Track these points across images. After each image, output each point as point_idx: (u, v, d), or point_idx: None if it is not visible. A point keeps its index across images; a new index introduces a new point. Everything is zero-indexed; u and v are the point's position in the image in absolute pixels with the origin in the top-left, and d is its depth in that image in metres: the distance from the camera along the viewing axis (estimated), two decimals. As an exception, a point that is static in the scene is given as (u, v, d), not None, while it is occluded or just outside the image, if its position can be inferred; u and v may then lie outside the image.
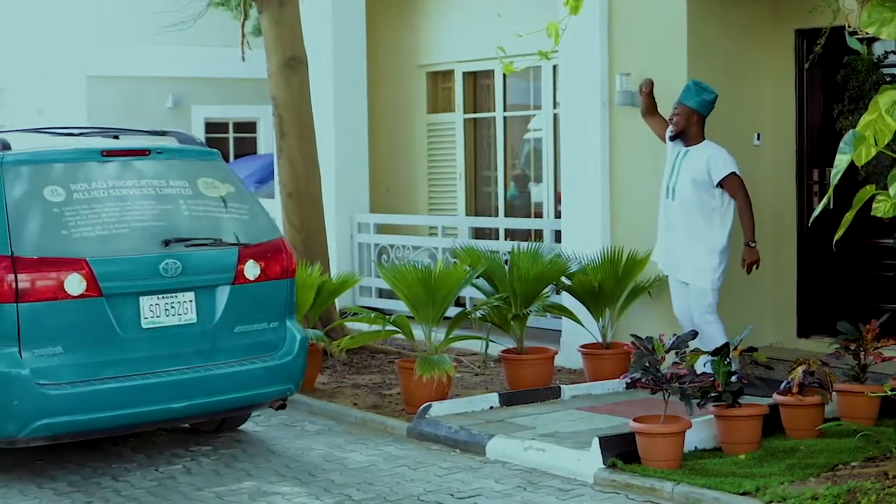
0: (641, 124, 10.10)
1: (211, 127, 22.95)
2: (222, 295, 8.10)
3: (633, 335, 7.95)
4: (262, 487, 7.59)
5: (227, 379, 8.00)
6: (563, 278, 10.28)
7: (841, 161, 6.17)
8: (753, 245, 9.31)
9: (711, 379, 7.66)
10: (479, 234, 13.52)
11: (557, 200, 12.96)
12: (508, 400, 9.36)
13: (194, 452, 8.47)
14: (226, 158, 8.80)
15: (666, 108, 9.73)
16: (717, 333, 9.18)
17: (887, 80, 9.65)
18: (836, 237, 6.50)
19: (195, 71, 22.28)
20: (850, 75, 9.84)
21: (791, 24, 10.56)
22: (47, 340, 7.43)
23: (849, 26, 6.94)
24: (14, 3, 22.10)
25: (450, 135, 14.57)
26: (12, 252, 7.38)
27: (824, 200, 6.65)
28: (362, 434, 8.98)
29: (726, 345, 7.91)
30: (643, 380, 7.66)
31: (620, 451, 7.55)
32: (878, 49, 9.97)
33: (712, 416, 7.80)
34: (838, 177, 6.16)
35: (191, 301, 7.96)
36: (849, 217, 6.38)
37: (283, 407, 8.61)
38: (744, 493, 6.83)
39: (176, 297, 7.91)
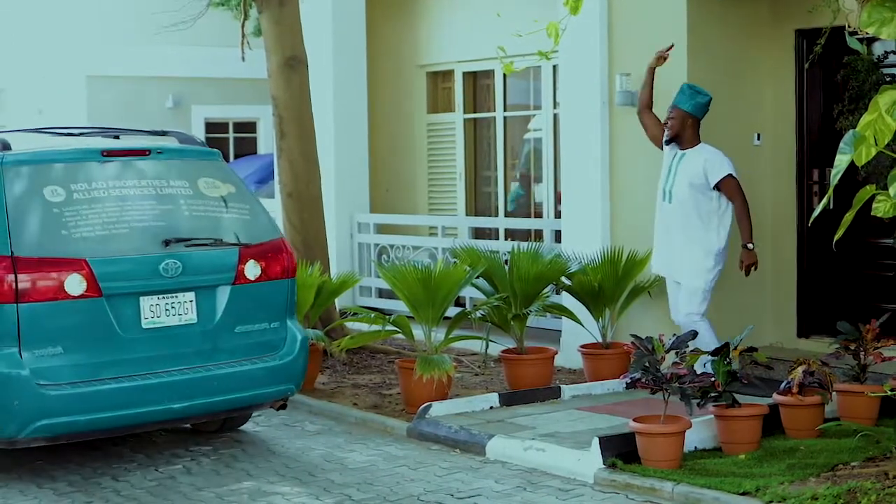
0: (641, 125, 10.09)
1: (211, 127, 22.95)
2: (223, 295, 8.09)
3: (633, 335, 7.95)
4: (262, 487, 7.59)
5: (227, 379, 7.99)
6: (563, 278, 10.28)
7: (841, 161, 6.17)
8: (751, 247, 9.30)
9: (711, 379, 7.66)
10: (478, 234, 13.52)
11: (557, 200, 12.96)
12: (508, 400, 9.37)
13: (194, 452, 8.47)
14: (226, 158, 8.80)
15: (664, 108, 9.71)
16: (703, 332, 9.08)
17: (887, 80, 9.66)
18: (836, 237, 6.50)
19: (195, 71, 22.28)
20: (850, 75, 9.85)
21: (791, 24, 10.56)
22: (47, 341, 7.42)
23: (849, 26, 6.94)
24: (14, 3, 22.10)
25: (450, 135, 14.58)
26: (12, 252, 7.38)
27: (824, 200, 6.66)
28: (362, 434, 8.98)
29: (726, 345, 7.90)
30: (643, 380, 7.66)
31: (620, 451, 7.55)
32: (878, 49, 9.97)
33: (712, 416, 7.80)
34: (838, 177, 6.17)
35: (191, 301, 7.96)
36: (849, 217, 6.39)
37: (283, 407, 8.61)
38: (744, 493, 6.83)
39: (176, 297, 7.90)
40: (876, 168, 8.99)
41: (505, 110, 14.11)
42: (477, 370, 10.82)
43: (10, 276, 7.33)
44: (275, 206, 12.32)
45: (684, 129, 9.43)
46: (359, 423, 9.27)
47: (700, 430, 7.77)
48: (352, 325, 11.57)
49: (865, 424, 7.96)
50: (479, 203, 14.51)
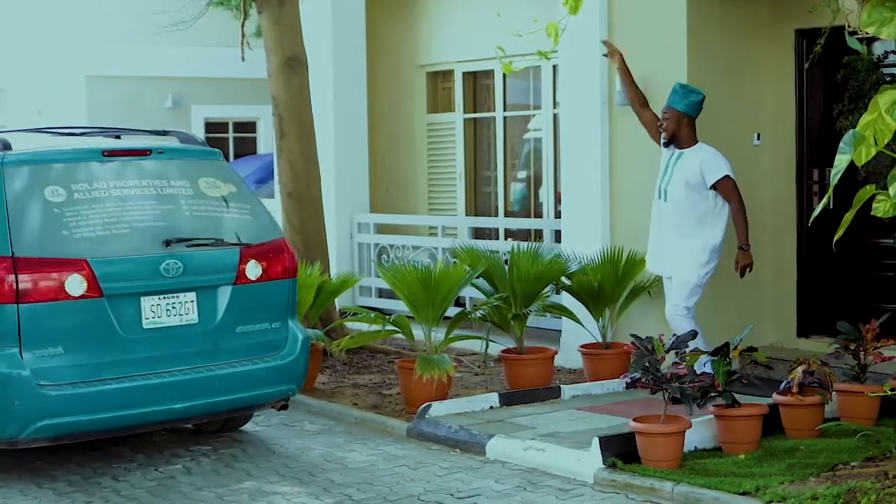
0: (641, 124, 10.08)
1: (211, 127, 22.96)
2: (224, 295, 8.09)
3: (633, 335, 7.96)
4: (262, 487, 7.59)
5: (228, 379, 7.98)
6: (563, 278, 10.28)
7: (841, 161, 6.17)
8: (747, 248, 9.29)
9: (711, 378, 7.66)
10: (478, 234, 13.52)
11: (557, 200, 12.96)
12: (508, 400, 9.37)
13: (194, 452, 8.47)
14: (225, 158, 8.80)
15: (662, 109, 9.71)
16: (684, 328, 9.01)
17: (887, 79, 9.66)
18: (836, 237, 6.50)
19: (195, 71, 22.29)
20: (849, 75, 9.85)
21: (791, 23, 10.56)
22: (48, 341, 7.41)
23: (849, 26, 6.94)
24: (14, 3, 22.10)
25: (450, 135, 14.58)
26: (13, 252, 7.37)
27: (824, 200, 6.66)
28: (362, 434, 8.98)
29: (726, 344, 7.90)
30: (643, 380, 7.67)
31: (620, 450, 7.55)
32: (877, 49, 9.97)
33: (712, 415, 7.80)
34: (838, 177, 6.17)
35: (192, 301, 7.95)
36: (849, 217, 6.39)
37: (285, 407, 8.60)
38: (744, 493, 6.83)
39: (177, 297, 7.90)
40: (876, 168, 9.00)
41: (505, 110, 14.11)
42: (477, 370, 10.82)
43: (11, 277, 7.33)
44: (275, 206, 12.32)
45: (680, 129, 9.42)
46: (359, 422, 9.28)
47: (700, 430, 7.77)
48: (352, 324, 11.57)
49: (865, 424, 7.96)
50: (478, 203, 14.51)
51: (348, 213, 14.07)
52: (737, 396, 7.76)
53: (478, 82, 14.48)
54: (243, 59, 12.34)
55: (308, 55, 11.95)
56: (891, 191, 6.21)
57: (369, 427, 9.15)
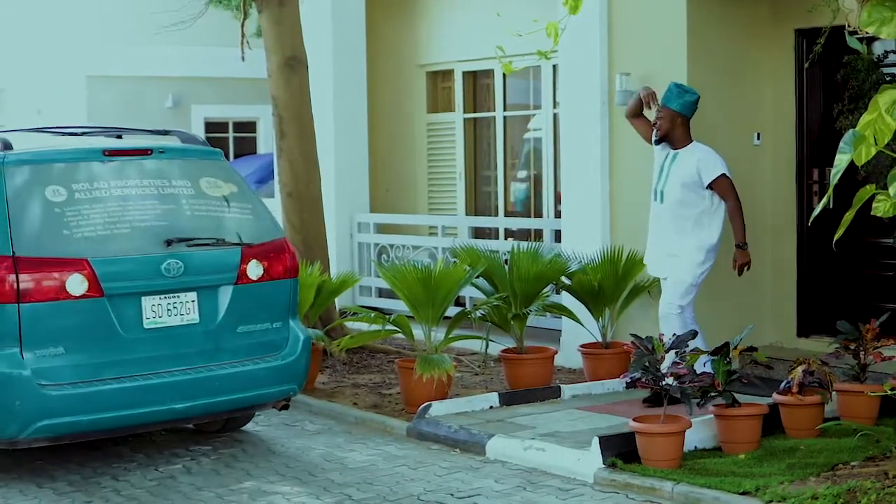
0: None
1: (211, 126, 22.96)
2: (225, 295, 8.08)
3: (633, 335, 7.96)
4: (263, 487, 7.59)
5: (229, 379, 7.98)
6: (563, 278, 10.28)
7: (841, 161, 6.17)
8: (744, 247, 9.24)
9: (711, 378, 7.66)
10: (478, 233, 13.52)
11: (557, 200, 12.96)
12: (508, 399, 9.37)
13: (194, 452, 8.47)
14: (225, 158, 8.80)
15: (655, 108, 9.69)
16: (676, 329, 8.93)
17: (887, 79, 9.67)
18: (836, 237, 6.50)
19: (195, 70, 22.29)
20: (849, 75, 9.85)
21: (791, 23, 10.56)
22: (49, 341, 7.41)
23: (849, 26, 6.94)
24: (14, 3, 22.10)
25: (450, 134, 14.58)
26: (14, 252, 7.37)
27: (824, 200, 6.66)
28: (362, 434, 8.98)
29: (726, 344, 7.90)
30: (643, 379, 7.67)
31: (620, 450, 7.56)
32: (877, 48, 9.98)
33: (712, 415, 7.80)
34: (838, 176, 6.17)
35: (193, 301, 7.95)
36: (849, 216, 6.39)
37: (286, 407, 8.60)
38: (744, 493, 6.83)
39: (178, 297, 7.89)
40: (876, 167, 9.00)
41: (505, 110, 14.11)
42: (477, 370, 10.82)
43: (12, 276, 7.32)
44: (275, 206, 12.32)
45: (674, 129, 9.34)
46: (359, 422, 9.28)
47: (700, 430, 7.77)
48: (352, 324, 11.58)
49: (865, 424, 7.96)
50: (478, 203, 14.51)
51: (348, 212, 14.08)
52: (737, 396, 7.76)
53: (478, 82, 14.48)
54: (243, 58, 12.35)
55: (308, 55, 11.95)
56: (891, 190, 6.21)
57: (369, 427, 9.15)
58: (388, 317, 9.81)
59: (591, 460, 7.54)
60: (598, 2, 10.62)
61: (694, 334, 8.04)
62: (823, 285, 10.68)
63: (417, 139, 14.84)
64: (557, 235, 11.67)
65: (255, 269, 8.20)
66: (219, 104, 22.95)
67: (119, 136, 8.86)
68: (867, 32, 6.55)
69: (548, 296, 10.39)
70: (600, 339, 10.24)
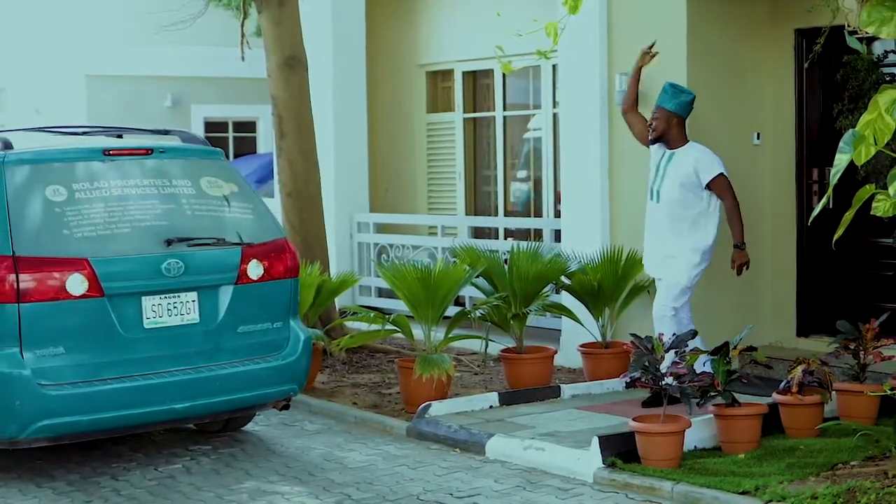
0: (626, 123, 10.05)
1: (210, 126, 22.96)
2: (225, 295, 8.08)
3: (633, 334, 7.96)
4: (262, 487, 7.59)
5: (230, 379, 7.97)
6: (563, 278, 10.28)
7: (840, 160, 6.17)
8: (743, 247, 9.20)
9: (710, 378, 7.66)
10: (478, 233, 13.52)
11: (557, 200, 12.96)
12: (508, 399, 9.37)
13: (194, 452, 8.47)
14: (226, 157, 8.79)
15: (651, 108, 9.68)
16: (669, 330, 8.91)
17: (887, 79, 9.67)
18: (836, 236, 6.50)
19: (195, 70, 22.29)
20: (849, 74, 9.86)
21: (790, 23, 10.57)
22: (49, 341, 7.40)
23: (848, 25, 6.94)
24: (13, 3, 22.10)
25: (449, 134, 14.59)
26: (14, 252, 7.37)
27: (824, 200, 6.65)
28: (362, 433, 8.98)
29: (725, 344, 7.90)
30: (643, 379, 7.67)
31: (620, 450, 7.56)
32: (877, 48, 9.98)
33: (712, 415, 7.81)
34: (838, 176, 6.17)
35: (193, 301, 7.95)
36: (848, 216, 6.39)
37: (286, 407, 8.59)
38: (743, 493, 6.83)
39: (178, 297, 7.89)
40: (875, 167, 9.00)
41: (504, 110, 14.12)
42: (476, 369, 10.82)
43: (12, 276, 7.32)
44: (274, 206, 12.31)
45: (669, 129, 9.30)
46: (358, 422, 9.28)
47: (699, 430, 7.77)
48: (351, 324, 11.58)
49: (865, 424, 7.96)
50: (478, 202, 14.51)
51: (348, 212, 14.08)
52: (736, 396, 7.77)
53: (477, 82, 14.49)
54: (243, 58, 12.35)
55: (308, 55, 11.96)
56: (890, 190, 6.21)
57: (369, 426, 9.16)
58: (387, 316, 9.82)
59: (590, 460, 7.54)
60: (597, 2, 10.62)
61: (693, 334, 8.05)
62: (823, 285, 10.68)
63: (417, 139, 14.84)
64: (557, 235, 11.67)
65: (255, 269, 8.19)
66: (218, 104, 22.95)
67: (119, 136, 8.85)
68: (867, 32, 6.55)
69: (547, 295, 10.39)
70: (600, 339, 10.24)
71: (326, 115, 13.69)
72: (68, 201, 7.65)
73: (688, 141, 9.32)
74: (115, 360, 7.59)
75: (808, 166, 10.68)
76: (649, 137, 9.39)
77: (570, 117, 11.13)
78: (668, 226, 9.26)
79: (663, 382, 7.63)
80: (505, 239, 13.13)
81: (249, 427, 9.11)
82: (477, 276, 10.12)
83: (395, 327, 9.76)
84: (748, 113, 10.72)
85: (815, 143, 10.61)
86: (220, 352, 8.00)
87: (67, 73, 21.97)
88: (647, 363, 7.65)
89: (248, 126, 23.63)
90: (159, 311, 7.80)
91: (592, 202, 10.84)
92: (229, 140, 23.38)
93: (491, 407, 9.24)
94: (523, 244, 10.68)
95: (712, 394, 7.68)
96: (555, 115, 13.12)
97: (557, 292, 10.81)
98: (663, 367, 7.70)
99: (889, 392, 7.52)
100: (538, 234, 12.57)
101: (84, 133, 8.85)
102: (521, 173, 14.16)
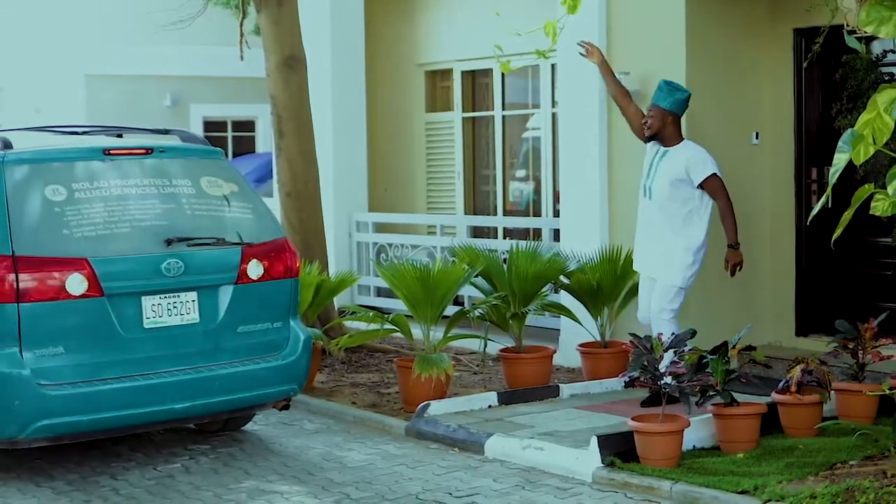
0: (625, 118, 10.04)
1: (209, 125, 22.97)
2: (225, 295, 8.07)
3: (632, 334, 7.96)
4: (261, 486, 7.59)
5: (230, 379, 7.97)
6: (562, 277, 10.28)
7: (839, 160, 6.18)
8: (736, 247, 9.16)
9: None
10: (477, 232, 13.52)
11: (556, 199, 12.97)
12: (507, 399, 9.37)
13: (193, 451, 8.47)
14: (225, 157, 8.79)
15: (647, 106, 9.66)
16: (667, 332, 8.79)
17: (886, 78, 9.68)
18: (835, 236, 6.51)
19: (194, 70, 22.30)
20: (848, 74, 9.86)
21: (789, 23, 10.58)
22: (48, 341, 7.40)
23: (847, 25, 6.94)
24: (13, 3, 22.09)
25: (448, 134, 14.59)
26: (13, 251, 7.36)
27: (823, 199, 6.66)
28: (361, 433, 8.98)
29: (724, 343, 7.91)
30: (641, 378, 7.68)
31: (619, 449, 7.56)
32: (876, 48, 9.99)
33: (711, 414, 7.81)
34: (837, 175, 6.17)
35: (193, 301, 7.94)
36: (847, 216, 6.39)
37: (286, 407, 8.59)
38: (742, 492, 6.83)
39: (178, 296, 7.89)
40: (874, 167, 9.01)
41: (504, 109, 14.12)
42: (475, 369, 10.83)
43: (12, 276, 7.32)
44: (273, 205, 12.30)
45: (664, 127, 9.26)
46: (357, 421, 9.28)
47: (698, 429, 7.78)
48: (350, 323, 11.58)
49: (864, 423, 7.96)
50: (477, 202, 14.51)
51: (347, 211, 14.08)
52: (735, 395, 7.77)
53: (476, 81, 14.49)
54: (242, 57, 12.36)
55: (307, 54, 11.96)
56: (889, 189, 6.21)
57: (368, 426, 9.16)
58: (386, 316, 9.82)
59: (589, 459, 7.54)
60: (596, 1, 10.63)
61: (693, 333, 8.04)
62: (822, 284, 10.69)
63: (416, 138, 14.85)
64: (556, 234, 11.67)
65: (255, 269, 8.19)
66: (217, 103, 22.96)
67: (119, 136, 8.84)
68: (866, 32, 6.55)
69: (546, 295, 10.39)
70: (599, 339, 10.24)
71: (325, 114, 13.69)
72: (68, 201, 7.64)
73: (682, 139, 9.30)
74: (115, 359, 7.59)
75: (807, 166, 10.69)
76: (645, 135, 9.37)
77: (569, 117, 11.14)
78: (660, 223, 9.22)
79: (662, 382, 7.64)
80: (504, 238, 13.13)
81: (248, 426, 9.11)
82: (476, 276, 10.12)
83: (393, 327, 9.75)
84: (747, 112, 10.72)
85: (814, 142, 10.63)
86: (220, 352, 8.00)
87: (67, 73, 21.98)
88: (645, 363, 7.65)
89: (247, 125, 23.64)
90: (159, 311, 7.80)
91: (591, 201, 10.85)
92: (228, 139, 23.39)
93: (490, 406, 9.24)
94: (522, 244, 10.68)
95: (711, 393, 7.68)
96: (554, 115, 13.12)
97: (556, 292, 10.81)
98: (662, 366, 7.71)
99: (888, 391, 7.52)
100: (537, 234, 12.58)
101: (84, 132, 8.84)
102: (521, 173, 14.16)
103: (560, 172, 11.52)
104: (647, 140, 9.38)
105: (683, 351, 7.84)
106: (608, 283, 10.11)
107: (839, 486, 6.67)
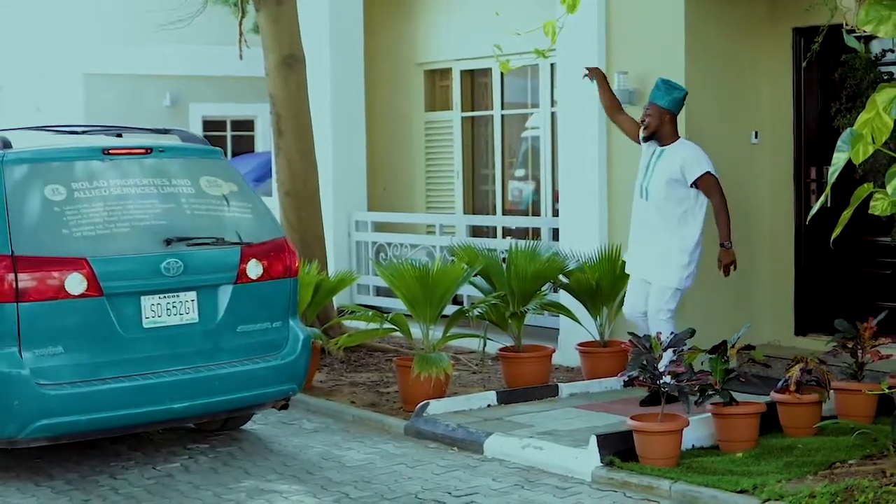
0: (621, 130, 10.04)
1: (208, 125, 22.96)
2: (224, 294, 8.07)
3: (631, 333, 7.97)
4: (260, 485, 7.59)
5: (229, 379, 7.97)
6: (561, 276, 10.28)
7: (838, 159, 6.17)
8: (729, 246, 9.12)
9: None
10: (476, 232, 13.52)
11: (555, 199, 12.97)
12: (506, 398, 9.37)
13: (192, 451, 8.47)
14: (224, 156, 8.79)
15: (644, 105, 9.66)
16: (666, 332, 8.76)
17: (885, 77, 9.68)
18: (834, 235, 6.51)
19: (193, 69, 22.28)
20: (847, 73, 9.86)
21: (788, 22, 10.57)
22: (48, 340, 7.40)
23: (846, 24, 6.94)
24: (12, 2, 22.08)
25: (447, 133, 14.59)
26: (13, 251, 7.37)
27: (822, 198, 6.65)
28: (360, 432, 8.98)
29: (724, 343, 7.91)
30: (641, 378, 7.68)
31: (618, 448, 7.56)
32: (875, 47, 9.99)
33: (710, 414, 7.81)
34: (836, 175, 6.17)
35: (192, 300, 7.94)
36: (846, 215, 6.39)
37: (285, 407, 8.59)
38: (741, 491, 6.84)
39: (178, 296, 7.89)
40: (873, 166, 9.00)
41: (503, 108, 14.12)
42: (475, 368, 10.83)
43: (11, 276, 7.32)
44: (272, 205, 12.29)
45: (662, 126, 9.24)
46: (356, 420, 9.28)
47: (698, 428, 7.78)
48: (349, 323, 11.58)
49: (863, 422, 7.97)
50: (476, 201, 14.51)
51: (346, 211, 14.08)
52: (734, 394, 7.77)
53: (476, 80, 14.49)
54: (241, 57, 12.37)
55: (306, 53, 11.96)
56: (888, 189, 6.21)
57: (367, 425, 9.16)
58: (385, 315, 9.82)
59: (588, 459, 7.54)
60: (595, 1, 10.62)
61: (692, 332, 8.04)
62: (821, 284, 10.68)
63: (415, 138, 14.85)
64: (555, 234, 11.67)
65: (254, 269, 8.19)
66: (217, 102, 22.94)
67: (119, 135, 8.84)
68: (865, 31, 6.54)
69: (545, 294, 10.39)
70: (598, 338, 10.24)
71: (324, 113, 13.69)
72: (67, 200, 7.64)
73: (679, 138, 9.30)
74: (114, 359, 7.59)
75: (806, 165, 10.68)
76: (642, 135, 9.34)
77: (569, 116, 11.13)
78: (656, 223, 9.21)
79: (661, 381, 7.64)
80: (503, 238, 13.12)
81: (247, 426, 9.11)
82: (475, 275, 10.12)
83: (393, 326, 9.75)
84: (746, 112, 10.72)
85: (813, 141, 10.62)
86: (219, 351, 8.00)
87: (66, 72, 21.96)
88: (644, 362, 7.65)
89: (246, 125, 23.63)
90: (158, 311, 7.80)
91: (590, 201, 10.85)
92: (227, 139, 23.38)
93: (489, 406, 9.25)
94: (521, 243, 10.68)
95: (710, 392, 7.69)
96: (553, 114, 13.12)
97: (555, 291, 10.81)
98: (661, 365, 7.71)
99: (887, 391, 7.52)
100: (536, 233, 12.58)
101: (83, 132, 8.84)
102: (520, 172, 14.16)
103: (559, 172, 11.52)
104: (644, 139, 9.36)
105: (682, 350, 7.85)
106: (607, 283, 10.11)
107: (838, 485, 6.67)
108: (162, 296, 7.81)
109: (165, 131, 8.94)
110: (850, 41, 6.81)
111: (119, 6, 21.60)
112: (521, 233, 13.16)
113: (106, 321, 7.57)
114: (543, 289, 10.29)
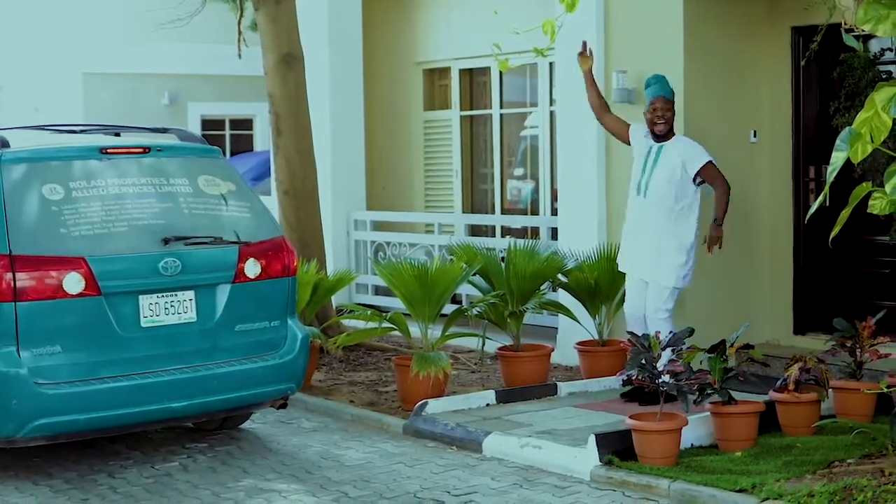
0: (639, 121, 10.04)
1: (207, 124, 22.94)
2: (223, 293, 8.07)
3: (630, 332, 7.96)
4: (259, 485, 7.59)
5: (227, 378, 7.97)
6: (560, 275, 10.28)
7: (837, 158, 6.17)
8: (720, 223, 9.09)
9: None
10: (475, 231, 13.52)
11: (554, 198, 12.96)
12: (505, 397, 9.37)
13: (191, 450, 8.47)
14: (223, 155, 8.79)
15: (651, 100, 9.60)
16: (664, 331, 8.74)
17: (883, 76, 9.68)
18: (833, 234, 6.51)
19: (192, 68, 22.27)
20: (846, 72, 9.86)
21: (787, 21, 10.57)
22: (45, 340, 7.39)
23: (845, 23, 6.95)
24: (12, 1, 22.08)
25: (446, 132, 14.59)
26: (10, 251, 7.36)
27: (821, 197, 6.65)
28: (359, 431, 8.98)
29: (723, 342, 7.91)
30: (639, 377, 7.67)
31: (617, 448, 7.56)
32: (874, 46, 9.98)
33: (708, 413, 7.81)
34: (835, 174, 6.17)
35: (191, 300, 7.94)
36: (845, 214, 6.39)
37: (284, 406, 8.59)
38: (740, 490, 6.84)
39: (176, 295, 7.88)
40: (872, 165, 9.00)
41: (501, 107, 14.11)
42: (473, 367, 10.82)
43: (9, 275, 7.31)
44: (271, 204, 12.29)
45: (673, 117, 9.30)
46: (355, 420, 9.28)
47: (696, 428, 7.78)
48: (348, 322, 11.58)
49: (861, 421, 7.97)
50: (475, 200, 14.51)
51: (345, 210, 14.07)
52: (733, 393, 7.77)
53: (474, 79, 14.49)
54: (240, 55, 12.37)
55: (304, 52, 11.96)
56: (887, 188, 6.21)
57: (366, 424, 9.16)
58: (384, 314, 9.82)
59: (587, 458, 7.54)
60: (594, -1, 10.63)
61: (691, 332, 8.04)
62: (820, 283, 10.69)
63: (414, 136, 14.84)
64: (554, 233, 11.67)
65: (252, 268, 8.18)
66: (215, 101, 22.92)
67: (117, 134, 8.83)
68: (863, 30, 6.54)
69: (544, 293, 10.39)
70: (597, 337, 10.24)
71: (323, 112, 13.69)
72: (65, 200, 7.64)
73: (674, 133, 9.31)
74: (112, 358, 7.59)
75: (805, 164, 10.68)
76: (660, 131, 9.22)
77: (568, 115, 11.13)
78: (653, 222, 9.19)
79: (660, 380, 7.64)
80: (502, 237, 13.12)
81: (246, 425, 9.11)
82: (474, 274, 10.12)
83: (391, 325, 9.75)
84: (745, 111, 10.72)
85: (812, 140, 10.62)
86: (218, 351, 8.00)
87: (64, 71, 21.95)
88: (643, 361, 7.65)
89: (244, 124, 23.61)
90: (156, 310, 7.79)
91: (589, 200, 10.85)
92: (226, 138, 23.37)
93: (488, 405, 9.25)
94: (520, 242, 10.68)
95: (709, 391, 7.68)
96: (552, 113, 13.12)
97: (554, 290, 10.80)
98: (660, 364, 7.71)
99: (885, 390, 7.52)
100: (535, 232, 12.58)
101: (81, 131, 8.83)
102: (519, 171, 14.16)
103: (558, 171, 11.52)
104: (661, 136, 9.23)
105: (681, 349, 7.84)
106: (606, 282, 10.11)
107: (837, 484, 6.68)
108: (160, 295, 7.80)
109: (164, 130, 8.94)
110: (849, 40, 6.82)
111: (118, 5, 21.58)
112: (520, 232, 13.15)
113: (104, 320, 7.57)
114: (542, 288, 10.28)
